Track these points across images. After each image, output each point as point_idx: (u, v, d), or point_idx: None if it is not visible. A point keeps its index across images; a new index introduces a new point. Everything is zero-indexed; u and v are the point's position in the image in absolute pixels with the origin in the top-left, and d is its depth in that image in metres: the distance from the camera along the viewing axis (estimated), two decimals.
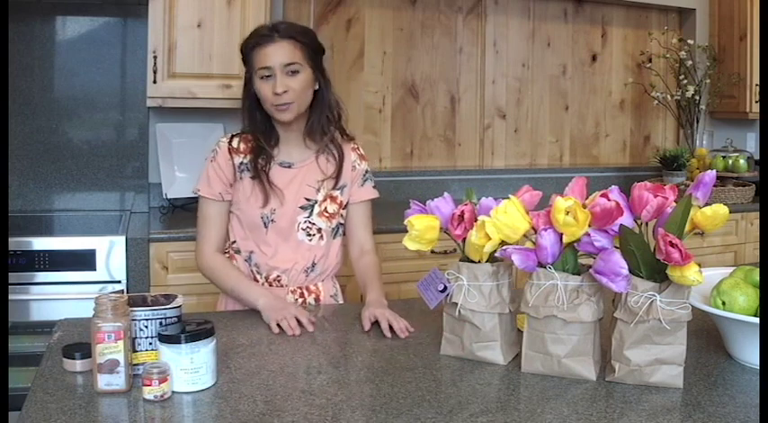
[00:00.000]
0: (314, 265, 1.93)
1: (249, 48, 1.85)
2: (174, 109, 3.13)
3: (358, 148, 2.01)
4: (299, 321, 1.67)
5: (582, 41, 4.21)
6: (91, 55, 3.21)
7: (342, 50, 3.70)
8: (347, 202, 1.98)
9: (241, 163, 1.89)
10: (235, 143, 1.91)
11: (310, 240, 1.92)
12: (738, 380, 1.37)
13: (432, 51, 3.90)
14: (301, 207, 1.91)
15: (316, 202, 1.92)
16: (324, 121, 1.92)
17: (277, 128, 1.92)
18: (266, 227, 1.89)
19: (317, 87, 1.89)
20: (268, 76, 1.82)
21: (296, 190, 1.91)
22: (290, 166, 1.92)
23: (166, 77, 2.96)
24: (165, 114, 3.24)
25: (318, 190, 1.93)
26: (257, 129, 1.90)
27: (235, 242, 1.93)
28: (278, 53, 1.81)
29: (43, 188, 3.22)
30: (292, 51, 1.82)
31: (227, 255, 1.94)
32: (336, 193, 1.95)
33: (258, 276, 1.92)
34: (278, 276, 1.91)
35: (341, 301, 2.02)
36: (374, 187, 2.02)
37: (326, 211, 1.93)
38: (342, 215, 1.97)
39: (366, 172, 2.00)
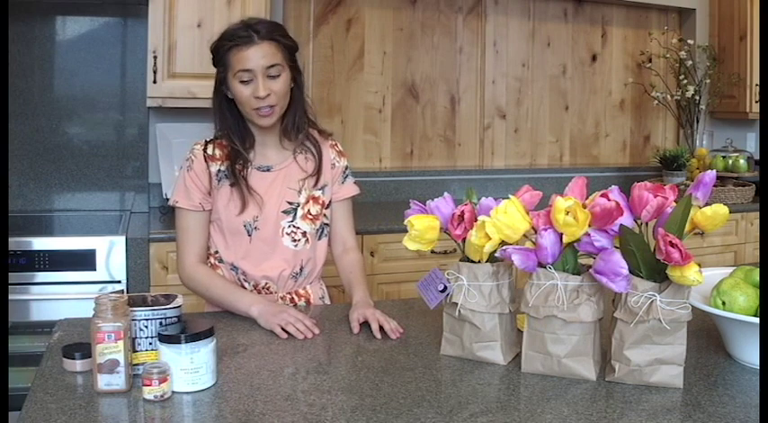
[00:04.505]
0: (301, 269, 1.90)
1: (225, 49, 1.77)
2: (173, 109, 3.13)
3: (336, 144, 1.98)
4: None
5: (582, 41, 4.21)
6: (91, 55, 3.22)
7: (342, 50, 3.70)
8: (330, 202, 1.95)
9: (218, 170, 1.84)
10: (210, 150, 1.85)
11: (296, 246, 1.88)
12: (738, 380, 1.37)
13: (432, 51, 3.90)
14: (284, 211, 1.87)
15: (298, 205, 1.88)
16: (299, 119, 1.88)
17: (252, 129, 1.87)
18: (250, 235, 1.85)
19: (291, 86, 1.84)
20: (247, 80, 1.76)
21: (277, 194, 1.87)
22: (268, 170, 1.88)
23: (166, 77, 2.96)
24: (164, 114, 3.24)
25: (300, 192, 1.89)
26: (231, 131, 1.85)
27: (217, 252, 1.89)
28: (259, 55, 1.75)
29: (43, 188, 3.22)
30: (274, 53, 1.77)
31: (210, 265, 1.89)
32: (318, 193, 1.91)
33: (246, 284, 1.88)
34: (267, 284, 1.88)
35: (328, 302, 2.02)
36: (355, 183, 2.00)
37: (310, 214, 1.90)
38: (325, 215, 1.93)
39: (346, 168, 1.98)
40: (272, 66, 1.77)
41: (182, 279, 1.88)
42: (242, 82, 1.77)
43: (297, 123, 1.88)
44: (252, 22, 1.80)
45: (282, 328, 1.63)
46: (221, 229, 1.87)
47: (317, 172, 1.91)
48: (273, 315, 1.67)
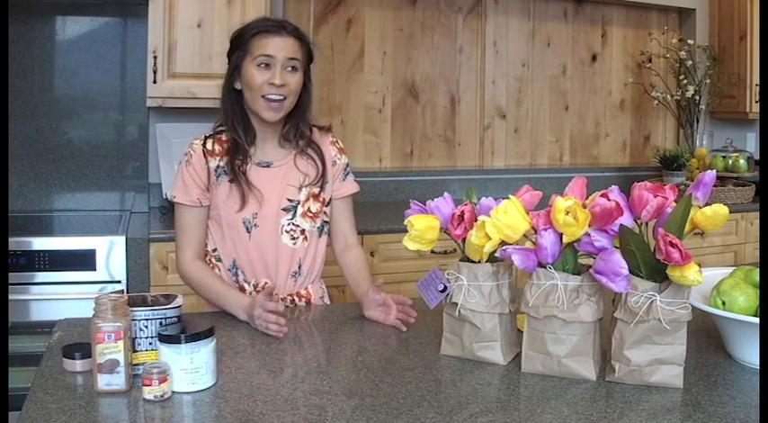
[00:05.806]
0: (300, 267, 1.90)
1: (252, 33, 1.80)
2: (173, 109, 3.13)
3: (337, 141, 1.98)
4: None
5: (582, 41, 4.21)
6: (91, 55, 3.22)
7: (342, 50, 3.70)
8: (330, 199, 1.94)
9: (217, 166, 1.84)
10: (209, 145, 1.85)
11: (294, 243, 1.88)
12: (738, 380, 1.37)
13: (432, 51, 3.90)
14: (284, 209, 1.87)
15: (298, 203, 1.88)
16: (302, 126, 1.89)
17: (254, 124, 1.87)
18: (249, 232, 1.85)
19: (301, 91, 1.86)
20: (266, 65, 1.78)
21: (277, 190, 1.87)
22: (268, 166, 1.88)
23: (166, 77, 2.96)
24: (164, 114, 3.24)
25: (300, 189, 1.89)
26: (235, 122, 1.85)
27: (215, 250, 1.89)
28: (283, 46, 1.79)
29: (43, 188, 3.22)
30: (296, 50, 1.81)
31: (209, 264, 1.89)
32: (318, 190, 1.91)
33: (246, 285, 1.88)
34: (266, 284, 1.87)
35: (328, 302, 2.01)
36: (355, 180, 1.99)
37: (310, 211, 1.89)
38: (325, 213, 1.93)
39: (347, 165, 1.97)
40: (293, 59, 1.80)
41: (180, 275, 1.89)
42: (259, 67, 1.79)
43: (299, 130, 1.89)
44: (279, 20, 1.89)
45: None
46: (220, 225, 1.87)
47: (320, 178, 1.91)
48: (253, 321, 1.67)
